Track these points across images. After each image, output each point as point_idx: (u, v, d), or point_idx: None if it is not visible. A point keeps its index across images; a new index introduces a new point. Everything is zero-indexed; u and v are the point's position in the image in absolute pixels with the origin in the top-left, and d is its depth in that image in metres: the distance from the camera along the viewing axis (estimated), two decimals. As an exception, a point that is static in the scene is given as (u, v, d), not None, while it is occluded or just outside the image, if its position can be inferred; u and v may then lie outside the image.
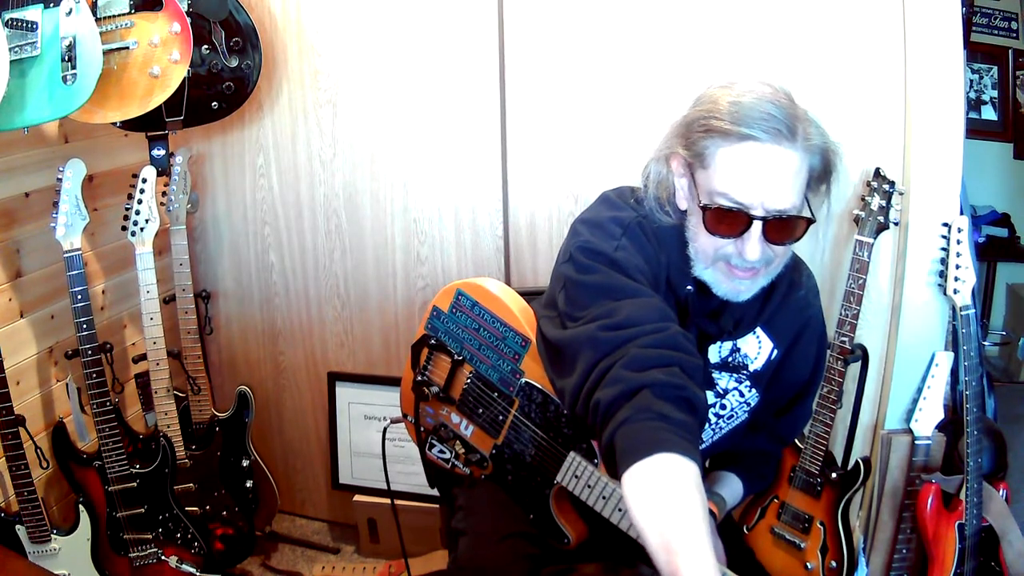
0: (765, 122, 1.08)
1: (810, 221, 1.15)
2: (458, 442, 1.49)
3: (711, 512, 1.24)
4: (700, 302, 1.25)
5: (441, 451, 1.52)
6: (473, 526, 1.40)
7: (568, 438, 1.34)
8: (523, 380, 1.38)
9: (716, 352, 1.33)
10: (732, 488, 1.42)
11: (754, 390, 1.35)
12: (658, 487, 0.96)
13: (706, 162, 1.13)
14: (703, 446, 1.36)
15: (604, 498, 1.29)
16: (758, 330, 1.33)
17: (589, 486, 1.30)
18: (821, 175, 1.17)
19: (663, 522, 0.93)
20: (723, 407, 1.35)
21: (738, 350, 1.33)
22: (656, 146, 1.24)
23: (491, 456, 1.45)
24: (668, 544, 0.91)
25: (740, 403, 1.36)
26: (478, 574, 1.32)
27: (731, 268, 1.17)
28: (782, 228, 1.13)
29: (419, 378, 1.51)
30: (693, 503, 0.93)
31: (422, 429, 1.54)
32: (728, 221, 1.13)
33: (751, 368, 1.34)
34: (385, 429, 1.62)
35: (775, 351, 1.34)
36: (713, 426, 1.37)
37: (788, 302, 1.32)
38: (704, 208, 1.14)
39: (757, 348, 1.33)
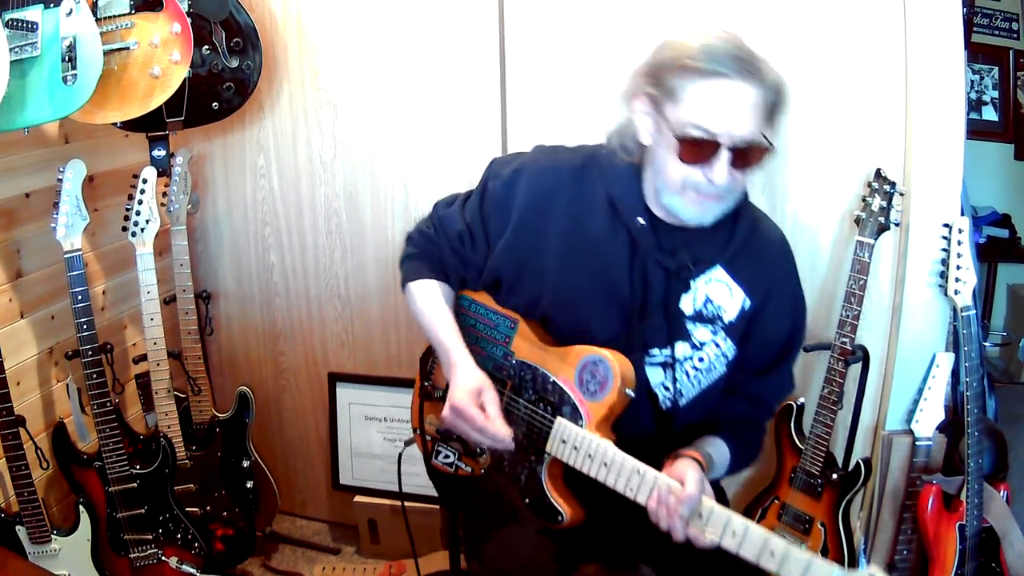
0: (733, 61, 1.21)
1: (768, 149, 1.28)
2: (459, 442, 1.51)
3: (697, 460, 1.30)
4: (654, 237, 1.36)
5: (445, 456, 1.53)
6: (496, 528, 1.41)
7: (555, 407, 1.38)
8: (515, 360, 1.45)
9: (690, 303, 1.39)
10: (718, 449, 1.44)
11: (729, 341, 1.40)
12: (422, 300, 1.50)
13: (677, 97, 1.24)
14: (684, 400, 1.42)
15: (590, 456, 1.32)
16: (726, 277, 1.39)
17: (576, 447, 1.34)
18: (776, 109, 1.29)
19: (428, 325, 1.48)
20: (701, 360, 1.41)
21: (711, 301, 1.39)
22: (620, 91, 1.35)
23: (489, 447, 1.47)
24: (438, 339, 1.46)
25: (718, 355, 1.41)
26: (512, 574, 1.33)
27: (698, 194, 1.28)
28: (746, 155, 1.25)
29: (424, 383, 1.57)
30: (440, 308, 1.48)
31: (428, 438, 1.56)
32: (700, 149, 1.24)
33: (725, 319, 1.39)
34: (400, 454, 1.63)
35: (747, 301, 1.39)
36: (692, 379, 1.41)
37: (753, 250, 1.40)
38: (679, 139, 1.25)
39: (729, 298, 1.39)
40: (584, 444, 1.33)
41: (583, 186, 1.41)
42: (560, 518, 1.39)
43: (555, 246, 1.41)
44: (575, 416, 1.36)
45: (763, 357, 1.45)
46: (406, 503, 2.19)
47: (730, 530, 1.20)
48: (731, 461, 1.46)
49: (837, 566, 1.12)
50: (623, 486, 1.29)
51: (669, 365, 1.40)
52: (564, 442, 1.35)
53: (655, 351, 1.40)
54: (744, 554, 1.18)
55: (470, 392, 1.36)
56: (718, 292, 1.39)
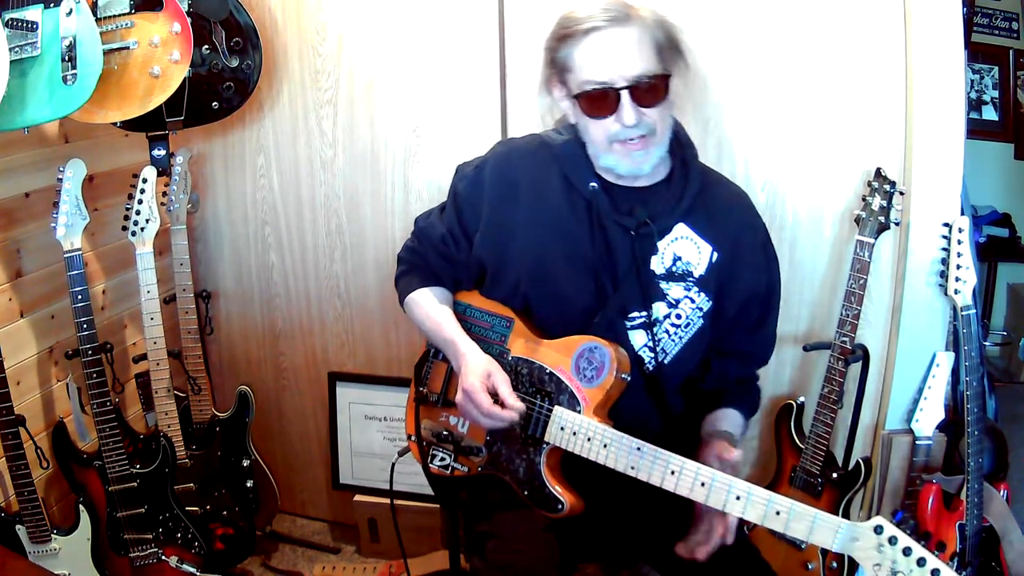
0: (600, 13, 1.30)
1: (666, 76, 1.34)
2: (452, 443, 1.53)
3: (727, 437, 1.40)
4: (608, 199, 1.43)
5: (441, 459, 1.54)
6: (499, 527, 1.42)
7: (552, 397, 1.41)
8: (511, 357, 1.47)
9: (660, 264, 1.44)
10: (731, 420, 1.50)
11: (703, 294, 1.45)
12: (421, 307, 1.55)
13: (570, 66, 1.35)
14: (668, 358, 1.47)
15: (589, 439, 1.34)
16: (690, 233, 1.44)
17: (575, 433, 1.36)
18: (669, 44, 1.35)
19: (432, 327, 1.53)
20: (679, 316, 1.46)
21: (679, 258, 1.44)
22: (538, 88, 1.45)
23: (486, 443, 1.49)
24: (443, 337, 1.50)
25: (694, 309, 1.46)
26: (516, 573, 1.34)
27: (623, 144, 1.36)
28: (646, 90, 1.31)
29: (420, 389, 1.59)
30: (447, 313, 1.53)
31: (424, 443, 1.58)
32: (600, 100, 1.32)
33: (696, 274, 1.45)
34: (393, 464, 1.65)
35: (715, 254, 1.45)
36: (672, 336, 1.46)
37: (710, 203, 1.46)
38: (580, 97, 1.34)
39: (696, 253, 1.45)
40: (583, 428, 1.35)
41: (540, 167, 1.49)
42: (560, 506, 1.39)
43: (524, 227, 1.48)
44: (572, 403, 1.38)
45: (747, 314, 1.50)
46: (406, 502, 2.22)
47: (733, 495, 1.22)
48: (743, 421, 1.53)
49: (844, 520, 1.14)
50: (624, 465, 1.30)
51: (649, 326, 1.45)
52: (563, 429, 1.38)
53: (634, 314, 1.45)
54: (749, 517, 1.21)
55: (480, 376, 1.40)
56: (685, 249, 1.44)
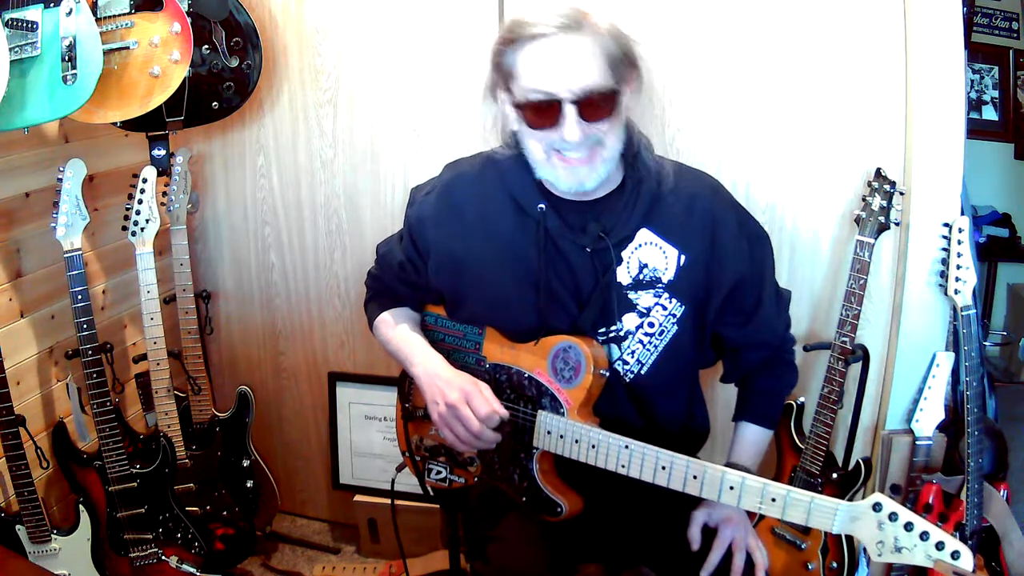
0: (549, 20, 1.21)
1: (615, 92, 1.25)
2: (445, 455, 1.53)
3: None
4: (558, 218, 1.37)
5: (437, 472, 1.55)
6: (499, 530, 1.41)
7: (534, 401, 1.39)
8: (488, 364, 1.46)
9: (626, 274, 1.38)
10: (746, 445, 1.48)
11: (674, 300, 1.39)
12: (382, 332, 1.57)
13: (514, 72, 1.26)
14: (646, 368, 1.41)
15: (577, 442, 1.34)
16: (654, 238, 1.37)
17: (562, 436, 1.35)
18: (623, 58, 1.26)
19: (395, 348, 1.52)
20: (651, 325, 1.40)
21: (646, 265, 1.38)
22: (482, 93, 1.36)
23: (478, 453, 1.48)
24: (404, 359, 1.49)
25: (666, 316, 1.40)
26: (516, 575, 1.34)
27: (564, 159, 1.28)
28: (592, 105, 1.23)
29: (405, 405, 1.58)
30: (404, 329, 1.53)
31: (418, 459, 1.58)
32: (541, 110, 1.24)
33: (664, 279, 1.39)
34: (393, 480, 1.65)
35: (682, 257, 1.38)
36: (648, 346, 1.41)
37: (672, 204, 1.38)
38: (518, 106, 1.26)
39: (663, 258, 1.38)
40: (569, 431, 1.34)
41: (485, 189, 1.43)
42: (560, 510, 1.39)
43: (475, 254, 1.43)
44: (555, 405, 1.37)
45: (740, 301, 1.44)
46: (406, 502, 2.21)
47: (727, 485, 1.21)
48: (764, 433, 1.50)
49: (841, 501, 1.13)
50: (614, 464, 1.30)
51: (622, 339, 1.40)
52: (549, 433, 1.37)
53: (603, 330, 1.40)
54: (745, 505, 1.20)
55: (458, 396, 1.36)
56: (650, 255, 1.38)
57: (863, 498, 1.12)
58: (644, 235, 1.38)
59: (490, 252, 1.42)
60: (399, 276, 1.56)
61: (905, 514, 1.08)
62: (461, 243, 1.44)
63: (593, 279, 1.38)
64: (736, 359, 1.52)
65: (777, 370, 1.54)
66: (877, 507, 1.09)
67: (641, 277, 1.39)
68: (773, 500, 1.17)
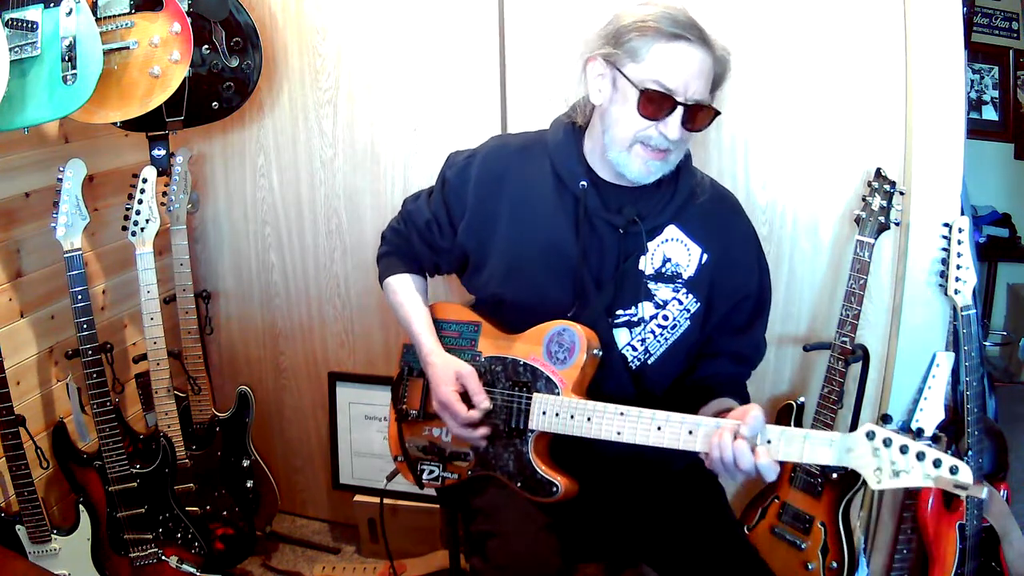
0: (694, 29, 1.32)
1: (717, 112, 1.38)
2: (437, 453, 1.55)
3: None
4: (598, 197, 1.45)
5: (430, 471, 1.56)
6: (499, 526, 1.42)
7: (529, 386, 1.42)
8: (483, 358, 1.50)
9: (649, 264, 1.45)
10: (730, 403, 1.47)
11: (691, 296, 1.46)
12: (397, 295, 1.61)
13: (639, 56, 1.33)
14: (653, 359, 1.47)
15: (573, 416, 1.36)
16: (680, 235, 1.46)
17: (558, 414, 1.38)
18: (720, 79, 1.39)
19: (404, 317, 1.60)
20: (665, 318, 1.47)
21: (669, 260, 1.46)
22: (577, 54, 1.44)
23: (472, 447, 1.50)
24: (412, 331, 1.57)
25: (681, 311, 1.47)
26: (517, 572, 1.34)
27: (646, 149, 1.37)
28: (697, 115, 1.35)
29: (399, 407, 1.61)
30: (415, 302, 1.60)
31: (411, 460, 1.59)
32: (658, 104, 1.33)
33: (685, 276, 1.46)
34: (383, 489, 1.72)
35: (704, 255, 1.47)
36: (658, 337, 1.47)
37: (701, 205, 1.48)
38: (642, 91, 1.33)
39: (686, 254, 1.46)
40: (564, 407, 1.38)
41: (530, 162, 1.51)
42: (555, 489, 1.41)
43: (506, 222, 1.49)
44: (550, 387, 1.41)
45: (739, 314, 1.51)
46: (406, 502, 2.22)
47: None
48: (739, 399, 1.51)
49: (835, 433, 1.15)
50: (612, 432, 1.32)
51: (635, 324, 1.46)
52: (544, 413, 1.40)
53: (620, 312, 1.46)
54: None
55: (451, 382, 1.46)
56: (674, 250, 1.46)
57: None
58: (672, 231, 1.46)
59: (523, 220, 1.48)
60: (422, 235, 1.61)
61: (899, 438, 1.09)
62: (497, 206, 1.50)
63: (616, 260, 1.44)
64: (711, 367, 1.53)
65: (743, 390, 1.56)
66: (870, 435, 1.11)
67: (663, 271, 1.45)
68: (769, 441, 1.19)
